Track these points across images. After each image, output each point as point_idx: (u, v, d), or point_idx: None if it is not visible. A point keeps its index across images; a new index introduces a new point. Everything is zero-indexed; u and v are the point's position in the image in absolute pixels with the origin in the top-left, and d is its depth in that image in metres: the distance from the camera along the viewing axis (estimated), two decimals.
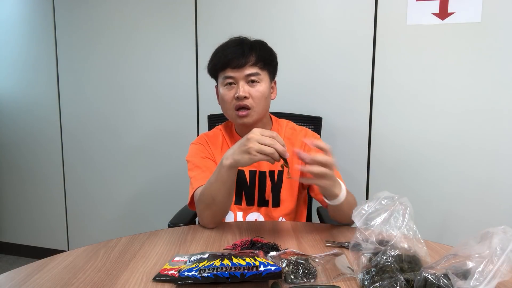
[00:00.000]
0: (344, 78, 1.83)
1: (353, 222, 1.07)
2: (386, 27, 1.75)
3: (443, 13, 1.66)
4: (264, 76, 1.13)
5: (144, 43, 2.10)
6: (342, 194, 0.96)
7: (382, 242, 0.73)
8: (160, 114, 2.13)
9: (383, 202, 0.77)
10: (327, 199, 0.99)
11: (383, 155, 1.83)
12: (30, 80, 2.34)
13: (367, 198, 1.90)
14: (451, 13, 1.66)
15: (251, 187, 1.21)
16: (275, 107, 1.69)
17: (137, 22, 2.09)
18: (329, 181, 0.90)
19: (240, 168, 1.20)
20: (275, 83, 1.22)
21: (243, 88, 1.10)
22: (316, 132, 1.59)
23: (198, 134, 2.09)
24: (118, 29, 2.13)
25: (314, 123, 1.61)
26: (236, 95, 1.10)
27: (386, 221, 0.74)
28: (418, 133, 1.77)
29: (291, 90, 1.90)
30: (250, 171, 1.21)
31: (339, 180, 0.97)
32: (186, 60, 2.03)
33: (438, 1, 1.66)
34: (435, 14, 1.67)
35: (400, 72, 1.76)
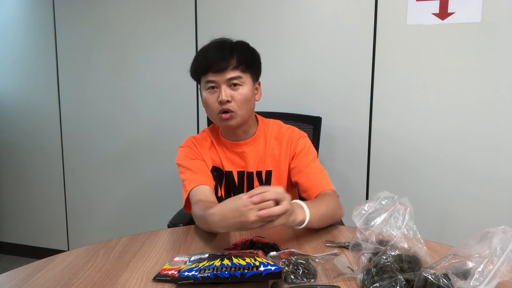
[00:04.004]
0: (344, 78, 1.83)
1: (339, 221, 1.08)
2: (386, 27, 1.75)
3: (443, 13, 1.66)
4: (246, 78, 1.11)
5: (144, 43, 2.10)
6: (307, 219, 0.91)
7: (382, 242, 0.73)
8: (160, 114, 2.13)
9: (383, 202, 0.77)
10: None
11: (383, 155, 1.83)
12: (30, 80, 2.34)
13: (367, 198, 1.90)
14: (451, 13, 1.66)
15: (240, 188, 1.21)
16: (274, 107, 1.70)
17: (137, 22, 2.09)
18: (286, 219, 0.83)
19: (227, 169, 1.21)
20: (259, 84, 1.20)
21: (225, 92, 1.08)
22: (315, 132, 1.60)
23: None
24: (118, 29, 2.13)
25: (313, 123, 1.61)
26: (218, 99, 1.09)
27: (386, 221, 0.74)
28: (418, 133, 1.77)
29: (290, 90, 1.90)
30: (238, 172, 1.21)
31: (300, 204, 0.93)
32: (186, 60, 2.00)
33: (438, 1, 1.66)
34: (435, 14, 1.67)
35: (400, 72, 1.75)
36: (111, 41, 2.15)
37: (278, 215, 0.80)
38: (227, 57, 1.08)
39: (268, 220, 0.80)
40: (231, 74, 1.09)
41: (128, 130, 2.20)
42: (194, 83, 2.04)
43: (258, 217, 0.78)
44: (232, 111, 1.10)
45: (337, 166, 1.88)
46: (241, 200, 0.80)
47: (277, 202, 0.80)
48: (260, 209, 0.78)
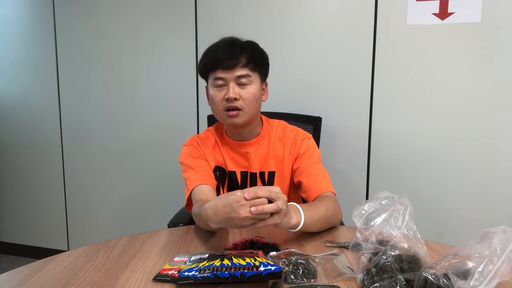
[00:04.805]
0: (344, 78, 1.83)
1: (337, 224, 1.07)
2: (386, 27, 1.75)
3: (443, 13, 1.66)
4: (255, 77, 1.12)
5: (144, 43, 2.10)
6: (302, 222, 0.90)
7: (382, 242, 0.73)
8: (160, 114, 2.13)
9: (383, 202, 0.77)
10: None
11: (383, 155, 1.83)
12: (30, 80, 2.34)
13: (367, 198, 1.90)
14: (451, 13, 1.66)
15: (243, 188, 1.20)
16: (275, 107, 1.69)
17: (137, 22, 2.09)
18: (280, 219, 0.81)
19: (230, 169, 1.21)
20: (266, 84, 1.20)
21: (234, 90, 1.08)
22: (315, 132, 1.60)
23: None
24: (118, 29, 2.13)
25: (313, 123, 1.61)
26: (226, 97, 1.08)
27: (386, 221, 0.74)
28: (418, 133, 1.77)
29: (290, 90, 1.90)
30: (242, 172, 1.21)
31: (296, 206, 0.92)
32: (186, 60, 2.03)
33: (438, 1, 1.66)
34: (435, 14, 1.67)
35: (400, 72, 1.75)
36: (111, 41, 2.15)
37: (271, 214, 0.79)
38: (237, 55, 1.08)
39: (259, 218, 0.78)
40: (240, 72, 1.08)
41: (127, 130, 2.20)
42: (195, 83, 2.05)
43: (249, 214, 0.76)
44: (240, 109, 1.10)
45: (337, 166, 1.88)
46: (234, 196, 0.79)
47: (271, 202, 0.79)
48: (252, 206, 0.77)
